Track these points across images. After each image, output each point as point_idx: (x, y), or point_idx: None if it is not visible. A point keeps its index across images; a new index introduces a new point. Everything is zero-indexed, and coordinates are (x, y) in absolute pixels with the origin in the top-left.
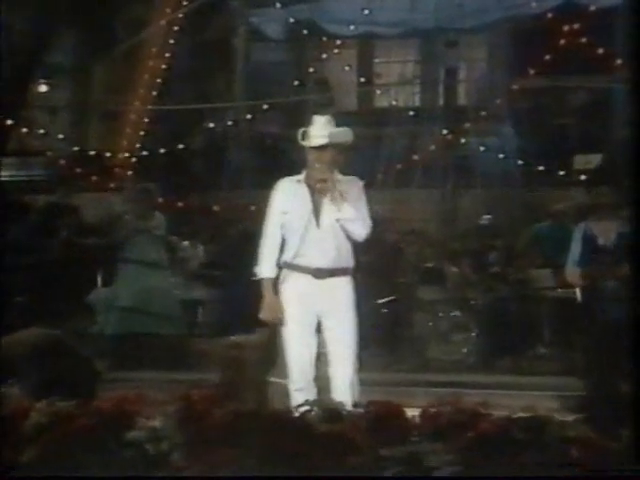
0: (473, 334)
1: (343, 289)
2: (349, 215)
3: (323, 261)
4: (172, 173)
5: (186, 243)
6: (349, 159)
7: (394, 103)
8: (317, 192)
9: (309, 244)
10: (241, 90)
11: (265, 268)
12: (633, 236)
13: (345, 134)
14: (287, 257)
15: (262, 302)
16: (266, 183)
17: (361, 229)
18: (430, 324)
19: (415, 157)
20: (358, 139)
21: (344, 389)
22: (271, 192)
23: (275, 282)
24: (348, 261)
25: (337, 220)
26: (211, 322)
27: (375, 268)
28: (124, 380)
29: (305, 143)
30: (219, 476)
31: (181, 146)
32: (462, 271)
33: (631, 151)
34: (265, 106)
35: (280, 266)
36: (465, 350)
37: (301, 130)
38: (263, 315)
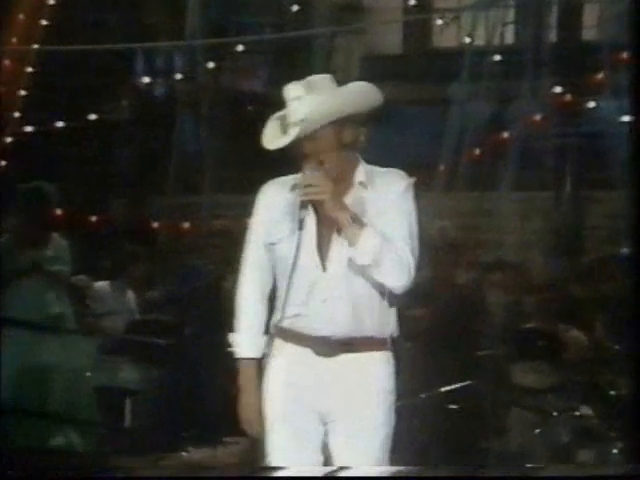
0: (615, 450)
1: (368, 373)
2: (363, 257)
3: (332, 326)
4: (80, 165)
5: (103, 285)
6: (385, 139)
7: (467, 41)
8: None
9: (309, 297)
10: (198, 20)
11: (245, 341)
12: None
13: (355, 100)
14: (275, 317)
15: (240, 401)
16: (244, 183)
17: (394, 275)
18: (537, 431)
19: (505, 135)
20: (406, 103)
21: None
22: (253, 200)
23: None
24: (380, 326)
25: (349, 261)
26: (148, 427)
27: (435, 331)
28: None
29: (265, 144)
30: (221, 476)
31: (93, 117)
32: (594, 337)
33: None
34: (241, 47)
35: (270, 329)
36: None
37: (272, 117)
38: (243, 424)
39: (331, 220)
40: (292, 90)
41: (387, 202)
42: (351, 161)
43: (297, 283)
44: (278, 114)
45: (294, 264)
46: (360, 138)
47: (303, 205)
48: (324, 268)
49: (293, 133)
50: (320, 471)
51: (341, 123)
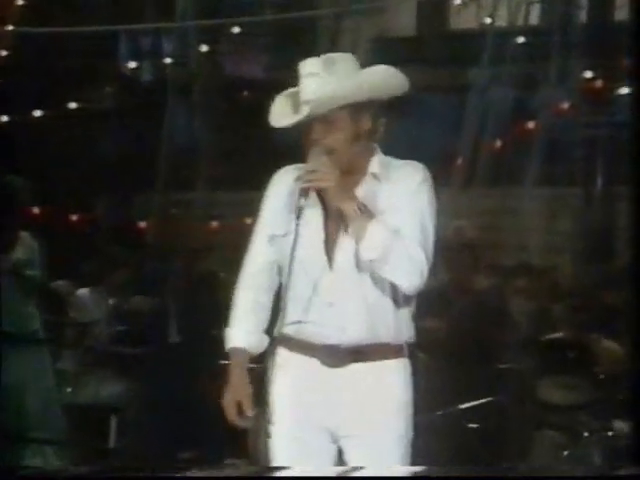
0: None
1: (383, 383)
2: (369, 252)
3: (340, 333)
4: (59, 159)
5: (84, 293)
6: (397, 128)
7: (488, 22)
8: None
9: (313, 300)
10: None
11: (236, 333)
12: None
13: (376, 84)
14: (279, 323)
15: (225, 387)
16: (242, 179)
17: (404, 274)
18: (566, 453)
19: (530, 125)
20: (421, 90)
21: None
22: (251, 198)
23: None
24: (396, 331)
25: (358, 258)
26: (135, 447)
27: (452, 342)
28: None
29: (272, 121)
30: (222, 476)
31: (74, 105)
32: (628, 348)
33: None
34: (237, 28)
35: (273, 337)
36: None
37: (282, 94)
38: (226, 409)
39: (338, 212)
40: (308, 65)
41: (399, 197)
42: (366, 151)
43: (300, 284)
44: (290, 91)
45: (296, 261)
46: (379, 129)
47: (303, 193)
48: (330, 267)
49: (303, 112)
50: (329, 471)
51: (359, 109)
